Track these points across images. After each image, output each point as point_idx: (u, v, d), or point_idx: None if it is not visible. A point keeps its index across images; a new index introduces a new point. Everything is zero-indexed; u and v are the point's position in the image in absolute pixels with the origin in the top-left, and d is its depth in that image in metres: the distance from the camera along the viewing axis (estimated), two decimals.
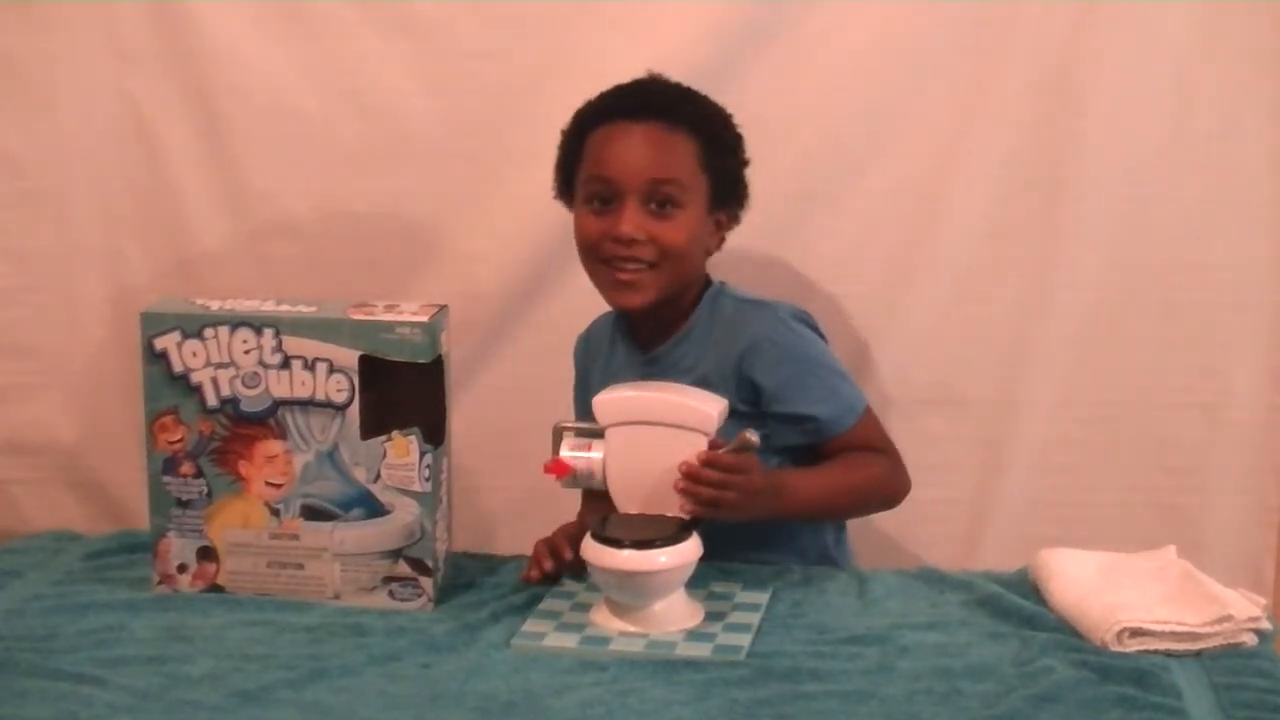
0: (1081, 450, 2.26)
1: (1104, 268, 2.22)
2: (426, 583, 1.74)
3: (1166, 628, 1.58)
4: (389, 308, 1.74)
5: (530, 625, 1.67)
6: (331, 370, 1.71)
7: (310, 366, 1.71)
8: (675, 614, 1.67)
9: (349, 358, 1.70)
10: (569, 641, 1.63)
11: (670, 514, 1.68)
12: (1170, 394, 2.24)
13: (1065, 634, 1.62)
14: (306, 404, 1.72)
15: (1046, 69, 2.17)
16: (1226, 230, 2.20)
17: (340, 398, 1.71)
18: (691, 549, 1.65)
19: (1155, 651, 1.57)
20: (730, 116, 1.91)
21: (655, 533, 1.64)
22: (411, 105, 2.25)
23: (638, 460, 1.69)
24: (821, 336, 1.91)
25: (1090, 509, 2.25)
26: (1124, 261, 2.22)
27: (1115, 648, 1.58)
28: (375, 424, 1.71)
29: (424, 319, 1.70)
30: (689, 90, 1.90)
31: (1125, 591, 1.65)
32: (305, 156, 2.27)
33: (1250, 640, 1.59)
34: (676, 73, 1.97)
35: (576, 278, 2.18)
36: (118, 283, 2.32)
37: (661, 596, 1.66)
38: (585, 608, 1.70)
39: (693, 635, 1.64)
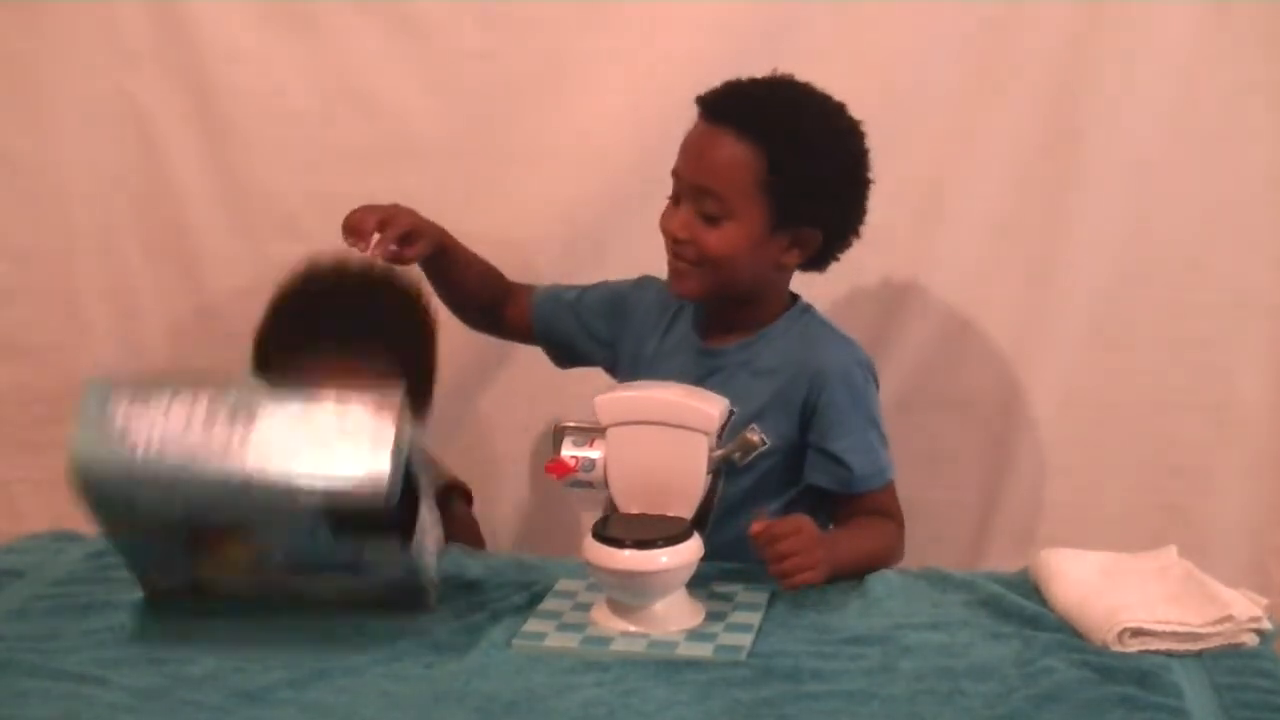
0: (1086, 451, 2.26)
1: (1108, 268, 2.22)
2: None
3: (1168, 628, 1.58)
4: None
5: (531, 625, 1.67)
6: None
7: None
8: (676, 614, 1.66)
9: None
10: (570, 641, 1.63)
11: (671, 514, 1.68)
12: (1175, 394, 2.23)
13: (1067, 634, 1.62)
14: None
15: (1051, 70, 2.18)
16: (1232, 230, 2.20)
17: None
18: (692, 549, 1.65)
19: (1157, 651, 1.57)
20: (823, 132, 1.82)
21: (656, 533, 1.64)
22: (411, 105, 2.25)
23: (639, 460, 1.69)
24: (877, 388, 1.92)
25: (1095, 509, 2.25)
26: (1129, 262, 2.22)
27: (1117, 648, 1.57)
28: None
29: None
30: (783, 96, 1.82)
31: (1127, 592, 1.65)
32: (305, 156, 2.27)
33: (1251, 640, 1.59)
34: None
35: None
36: (118, 283, 2.31)
37: (662, 596, 1.66)
38: (586, 607, 1.70)
39: (694, 635, 1.64)
